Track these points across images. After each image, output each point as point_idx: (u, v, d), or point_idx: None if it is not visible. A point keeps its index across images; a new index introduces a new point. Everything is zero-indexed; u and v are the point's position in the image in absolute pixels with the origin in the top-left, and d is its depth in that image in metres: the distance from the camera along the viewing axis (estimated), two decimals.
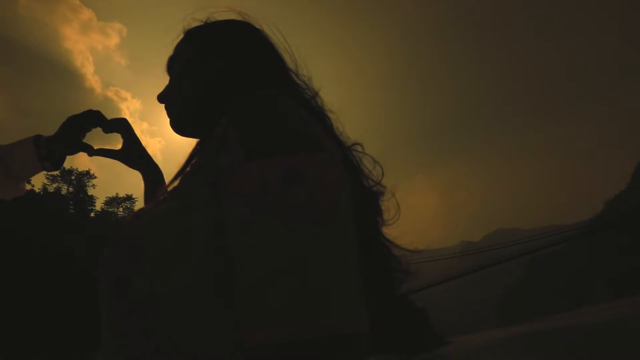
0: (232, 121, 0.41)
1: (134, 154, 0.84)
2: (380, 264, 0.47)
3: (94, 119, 0.84)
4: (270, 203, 0.33)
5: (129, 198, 27.56)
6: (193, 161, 0.47)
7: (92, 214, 25.67)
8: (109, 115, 0.86)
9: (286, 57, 0.57)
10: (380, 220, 0.49)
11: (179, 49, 0.61)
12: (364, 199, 0.47)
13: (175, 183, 0.48)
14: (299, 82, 0.55)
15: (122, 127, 0.85)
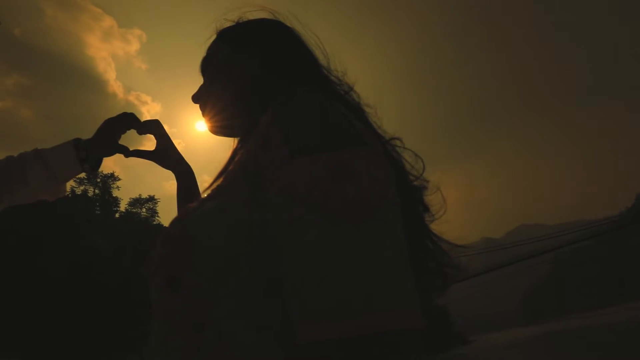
0: (274, 119, 0.41)
1: (167, 154, 0.87)
2: (430, 260, 0.46)
3: (129, 121, 0.87)
4: (319, 199, 0.33)
5: (152, 199, 28.35)
6: (235, 159, 0.48)
7: (116, 215, 26.52)
8: None
9: (318, 54, 0.57)
10: (426, 215, 0.48)
11: (213, 49, 0.62)
12: (408, 194, 0.46)
13: (219, 182, 0.49)
14: (332, 77, 0.55)
15: (155, 128, 0.88)
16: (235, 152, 0.56)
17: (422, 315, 0.32)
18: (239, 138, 0.62)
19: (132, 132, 0.88)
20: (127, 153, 0.88)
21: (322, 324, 0.31)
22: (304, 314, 0.32)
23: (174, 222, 0.45)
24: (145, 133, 0.88)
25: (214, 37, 0.64)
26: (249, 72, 0.57)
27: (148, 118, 0.96)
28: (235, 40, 0.60)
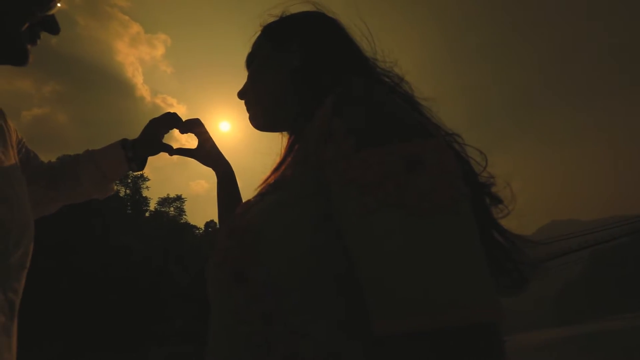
0: (335, 112, 0.40)
1: (208, 152, 0.89)
2: (502, 255, 0.45)
3: (171, 120, 0.89)
4: (392, 191, 0.33)
5: (179, 198, 29.28)
6: (293, 153, 0.48)
7: (146, 214, 27.55)
8: None
9: (365, 45, 0.57)
10: (496, 210, 0.46)
11: (257, 45, 0.62)
12: (475, 187, 0.45)
13: (275, 176, 0.50)
14: (379, 69, 0.54)
15: (197, 127, 0.90)
16: (291, 146, 0.56)
17: (501, 308, 0.31)
18: (290, 132, 0.62)
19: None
20: (171, 151, 0.90)
21: (403, 318, 0.31)
22: (382, 307, 0.32)
23: (236, 217, 0.45)
24: (187, 132, 0.90)
25: (258, 32, 0.65)
26: (293, 66, 0.56)
27: None
28: (278, 34, 0.60)
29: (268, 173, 0.59)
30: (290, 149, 0.56)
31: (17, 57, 0.54)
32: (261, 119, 0.61)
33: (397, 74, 0.53)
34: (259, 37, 0.64)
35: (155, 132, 0.88)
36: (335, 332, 0.38)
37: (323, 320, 0.38)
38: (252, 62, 0.63)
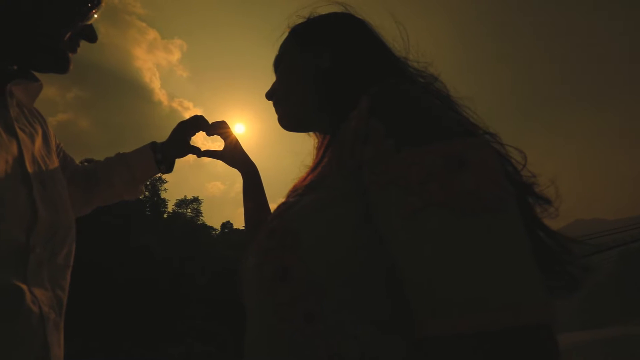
0: (371, 112, 0.40)
1: (234, 154, 0.90)
2: (551, 257, 0.43)
3: (198, 123, 0.91)
4: (436, 191, 0.33)
5: (196, 200, 29.83)
6: (328, 154, 0.49)
7: (165, 215, 28.17)
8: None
9: (397, 44, 0.56)
10: (540, 210, 0.45)
11: (285, 46, 0.63)
12: (519, 188, 0.44)
13: (311, 177, 0.50)
14: (411, 69, 0.54)
15: (223, 129, 0.91)
16: (326, 147, 0.56)
17: (553, 309, 0.30)
18: (321, 133, 0.62)
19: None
20: (199, 153, 0.92)
21: (453, 318, 0.30)
22: (430, 307, 0.32)
23: (275, 218, 0.46)
24: (213, 134, 0.92)
25: (286, 34, 0.65)
26: (323, 67, 0.57)
27: None
28: (307, 36, 0.60)
29: (303, 174, 0.59)
30: (325, 149, 0.56)
31: (60, 65, 0.56)
32: (291, 120, 0.61)
33: (431, 74, 0.52)
34: (287, 39, 0.64)
35: (183, 135, 0.91)
36: (376, 332, 0.38)
37: (365, 320, 0.38)
38: (281, 63, 0.64)
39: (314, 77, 0.57)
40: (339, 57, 0.56)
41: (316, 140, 0.70)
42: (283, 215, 0.45)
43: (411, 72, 0.54)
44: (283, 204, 0.48)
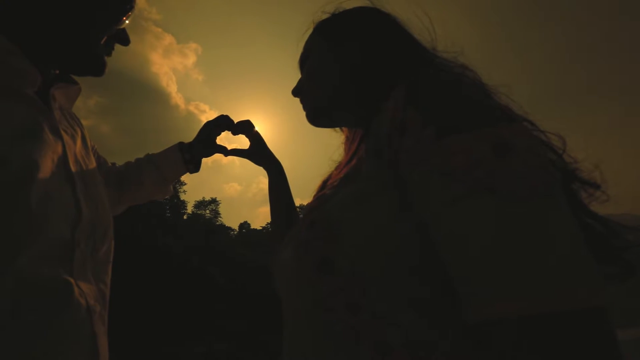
0: (407, 102, 0.40)
1: (259, 152, 0.92)
2: (600, 243, 0.42)
3: (224, 123, 0.93)
4: (482, 177, 0.33)
5: (214, 201, 30.36)
6: (362, 147, 0.49)
7: (184, 217, 28.79)
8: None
9: (425, 36, 0.56)
10: (586, 197, 0.44)
11: (310, 43, 0.63)
12: (564, 173, 0.43)
13: (346, 170, 0.50)
14: (438, 60, 0.53)
15: (248, 128, 0.93)
16: (361, 140, 0.56)
17: (607, 294, 0.30)
18: (351, 127, 0.62)
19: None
20: (226, 152, 0.94)
21: (506, 302, 0.30)
22: (481, 292, 0.32)
23: (313, 209, 0.46)
24: (238, 133, 0.93)
25: (310, 31, 0.66)
26: (349, 63, 0.57)
27: None
28: (334, 31, 0.60)
29: (332, 169, 0.59)
30: (359, 142, 0.56)
31: (98, 68, 0.58)
32: (320, 115, 0.61)
33: (461, 63, 0.52)
34: (312, 35, 0.64)
35: (210, 134, 0.93)
36: (419, 318, 0.38)
37: (406, 307, 0.38)
38: (307, 60, 0.64)
39: (343, 72, 0.57)
40: (368, 50, 0.56)
41: (344, 135, 0.70)
42: (322, 206, 0.45)
43: (441, 62, 0.53)
44: (320, 196, 0.48)
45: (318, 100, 0.61)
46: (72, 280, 0.48)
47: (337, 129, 0.71)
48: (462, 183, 0.33)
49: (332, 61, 0.59)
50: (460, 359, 0.36)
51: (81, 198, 0.53)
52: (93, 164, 0.64)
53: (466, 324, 0.34)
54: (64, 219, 0.49)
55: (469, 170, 0.33)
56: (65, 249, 0.49)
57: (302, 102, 0.65)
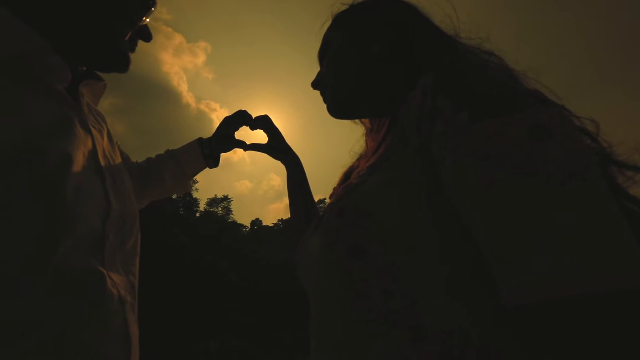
0: (437, 89, 0.40)
1: (277, 146, 0.92)
2: None
3: (242, 118, 0.94)
4: (519, 160, 0.32)
5: (226, 198, 30.68)
6: (389, 135, 0.49)
7: (197, 214, 29.16)
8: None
9: (447, 23, 0.55)
10: (625, 181, 0.42)
11: (330, 35, 0.63)
12: (600, 156, 0.42)
13: (373, 158, 0.50)
14: (460, 47, 0.52)
15: (265, 123, 0.93)
16: (388, 129, 0.56)
17: None
18: (375, 117, 0.62)
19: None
20: (245, 147, 0.95)
21: (546, 285, 0.30)
22: (521, 276, 0.31)
23: (342, 197, 0.47)
24: (256, 128, 0.94)
25: (329, 23, 0.65)
26: (371, 53, 0.56)
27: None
28: (354, 22, 0.60)
29: (366, 156, 0.59)
30: (386, 131, 0.56)
31: (121, 64, 0.59)
32: (342, 107, 0.61)
33: (487, 50, 0.51)
34: (332, 27, 0.64)
35: (229, 130, 0.93)
36: (454, 303, 0.38)
37: (441, 292, 0.39)
38: (327, 51, 0.64)
39: (365, 62, 0.57)
40: (390, 39, 0.55)
41: (365, 127, 0.70)
42: (351, 194, 0.45)
43: (465, 49, 0.52)
44: (347, 185, 0.48)
45: (340, 91, 0.60)
46: (104, 271, 0.49)
47: (357, 120, 0.70)
48: (498, 167, 0.33)
49: (353, 52, 0.58)
50: (496, 344, 0.36)
51: (110, 191, 0.54)
52: (119, 158, 0.66)
53: (503, 308, 0.34)
54: (95, 211, 0.50)
55: (505, 154, 0.33)
56: (96, 241, 0.50)
57: (322, 94, 0.65)
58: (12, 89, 0.44)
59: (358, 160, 0.67)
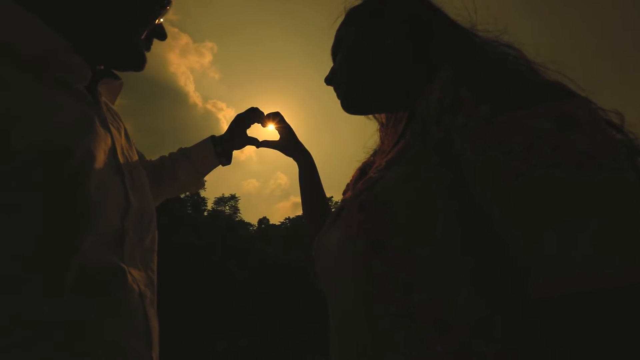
0: (457, 82, 0.40)
1: (290, 144, 0.92)
2: None
3: (254, 115, 0.94)
4: (546, 152, 0.32)
5: (233, 197, 30.86)
6: (407, 129, 0.49)
7: (205, 213, 29.38)
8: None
9: (464, 16, 0.54)
10: None
11: (345, 30, 0.63)
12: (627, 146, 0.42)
13: (392, 153, 0.50)
14: (482, 39, 0.52)
15: (278, 120, 0.93)
16: (406, 124, 0.56)
17: None
18: (390, 111, 0.61)
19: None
20: (257, 144, 0.95)
21: (575, 276, 0.30)
22: (549, 268, 0.31)
23: (362, 192, 0.47)
24: (269, 125, 0.94)
25: (341, 19, 0.65)
26: (386, 47, 0.56)
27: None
28: (368, 16, 0.60)
29: (384, 150, 0.59)
30: (405, 125, 0.55)
31: (137, 63, 0.60)
32: (357, 102, 0.61)
33: (505, 42, 0.50)
34: (345, 22, 0.64)
35: (241, 127, 0.94)
36: (478, 297, 0.38)
37: (464, 285, 0.38)
38: (340, 47, 0.64)
39: (379, 57, 0.56)
40: (405, 34, 0.55)
41: (378, 123, 0.69)
42: (371, 189, 0.45)
43: (482, 42, 0.52)
44: (367, 179, 0.48)
45: (353, 86, 0.60)
46: (125, 267, 0.50)
47: (370, 116, 0.70)
48: (523, 159, 0.33)
49: (366, 47, 0.58)
50: (520, 336, 0.36)
51: (129, 189, 0.55)
52: (136, 156, 0.66)
53: (527, 300, 0.34)
54: (116, 208, 0.51)
55: (531, 146, 0.33)
56: (117, 237, 0.51)
57: (336, 90, 0.65)
58: (38, 88, 0.45)
59: (373, 155, 0.67)
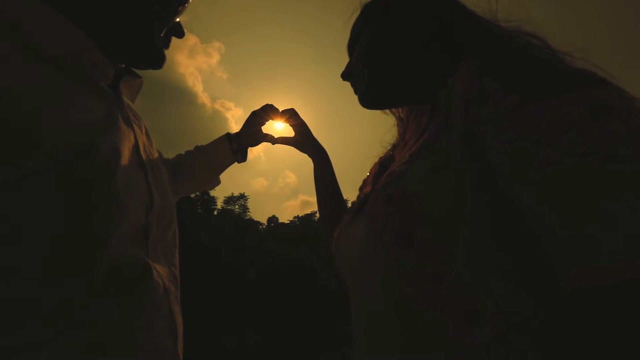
0: (482, 72, 0.40)
1: (305, 140, 0.92)
2: None
3: (269, 112, 0.94)
4: (579, 140, 0.32)
5: (242, 196, 31.06)
6: (432, 121, 0.48)
7: (215, 212, 29.64)
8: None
9: (484, 7, 0.54)
10: None
11: (361, 24, 0.62)
12: None
13: (415, 146, 0.50)
14: (503, 29, 0.51)
15: (293, 117, 0.94)
16: (430, 116, 0.56)
17: None
18: (411, 104, 0.61)
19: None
20: (273, 141, 0.96)
21: (613, 265, 0.29)
22: (584, 258, 0.31)
23: (388, 184, 0.46)
24: (283, 122, 0.95)
25: (357, 14, 0.65)
26: (407, 39, 0.55)
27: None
28: (386, 10, 0.59)
29: (408, 143, 0.58)
30: (429, 118, 0.55)
31: (157, 61, 0.61)
32: (375, 96, 0.60)
33: (528, 32, 0.49)
34: (361, 17, 0.63)
35: (256, 124, 0.94)
36: (508, 286, 0.38)
37: (494, 275, 0.38)
38: (357, 42, 0.63)
39: (400, 49, 0.56)
40: (424, 26, 0.54)
41: (395, 117, 0.69)
42: (397, 181, 0.45)
43: (504, 32, 0.51)
44: (391, 172, 0.48)
45: (375, 79, 0.59)
46: (150, 262, 0.51)
47: (387, 111, 0.70)
48: (555, 148, 0.32)
49: (387, 40, 0.58)
50: (553, 328, 0.36)
51: (152, 184, 0.56)
52: (156, 153, 0.67)
53: (560, 292, 0.33)
54: (140, 204, 0.52)
55: (563, 135, 0.32)
56: (141, 233, 0.51)
57: (353, 84, 0.65)
58: (65, 86, 0.45)
59: (391, 150, 0.67)
